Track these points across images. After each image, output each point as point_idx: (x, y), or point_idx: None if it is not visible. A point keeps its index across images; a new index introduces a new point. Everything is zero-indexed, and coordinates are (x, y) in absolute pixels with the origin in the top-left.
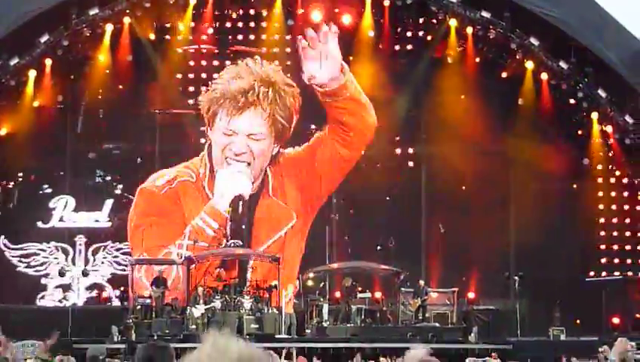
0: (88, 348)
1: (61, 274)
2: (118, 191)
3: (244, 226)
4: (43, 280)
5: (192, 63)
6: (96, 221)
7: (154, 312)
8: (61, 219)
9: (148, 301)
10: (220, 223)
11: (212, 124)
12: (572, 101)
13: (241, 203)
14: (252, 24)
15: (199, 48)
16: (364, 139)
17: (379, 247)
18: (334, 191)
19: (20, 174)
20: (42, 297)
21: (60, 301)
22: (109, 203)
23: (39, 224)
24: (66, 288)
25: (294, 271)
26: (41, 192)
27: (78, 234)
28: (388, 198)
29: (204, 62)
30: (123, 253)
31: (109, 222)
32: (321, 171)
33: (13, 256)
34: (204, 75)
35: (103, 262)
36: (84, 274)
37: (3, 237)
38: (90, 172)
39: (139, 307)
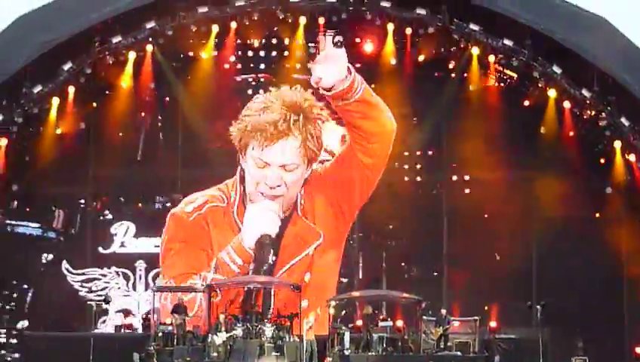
0: None
1: (106, 301)
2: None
3: (265, 267)
4: (104, 305)
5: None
6: (156, 246)
7: (175, 339)
8: (122, 245)
9: (170, 328)
10: (245, 260)
11: (244, 154)
12: (595, 129)
13: (267, 242)
14: (274, 53)
15: (256, 77)
16: (384, 144)
17: (406, 276)
18: (362, 206)
19: (82, 201)
20: (104, 321)
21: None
22: None
23: (100, 250)
24: (127, 313)
25: (327, 294)
26: (101, 218)
27: (139, 259)
28: (409, 226)
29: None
30: None
31: None
32: (349, 183)
33: (74, 281)
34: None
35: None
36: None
37: (65, 262)
38: (139, 196)
39: (160, 334)
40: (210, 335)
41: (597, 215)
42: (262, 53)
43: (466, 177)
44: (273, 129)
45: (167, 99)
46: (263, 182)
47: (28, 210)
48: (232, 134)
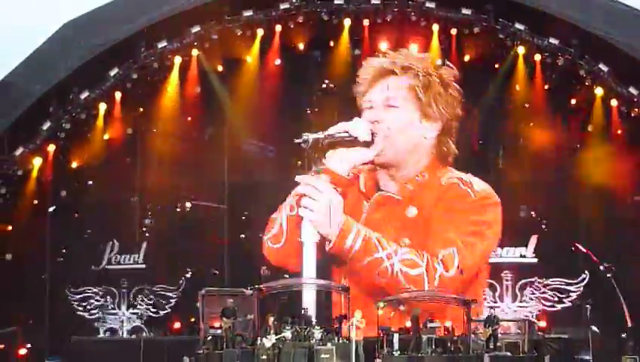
0: None
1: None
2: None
3: None
4: (96, 324)
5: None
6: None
7: (225, 343)
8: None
9: (219, 331)
10: None
11: None
12: None
13: None
14: (319, 55)
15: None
16: None
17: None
18: None
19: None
20: None
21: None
22: None
23: (93, 267)
24: (114, 331)
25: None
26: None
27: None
28: None
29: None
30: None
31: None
32: None
33: (73, 301)
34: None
35: (139, 305)
36: None
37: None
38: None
39: (209, 338)
40: (259, 338)
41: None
42: (307, 56)
43: (514, 177)
44: None
45: (213, 102)
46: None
47: (77, 215)
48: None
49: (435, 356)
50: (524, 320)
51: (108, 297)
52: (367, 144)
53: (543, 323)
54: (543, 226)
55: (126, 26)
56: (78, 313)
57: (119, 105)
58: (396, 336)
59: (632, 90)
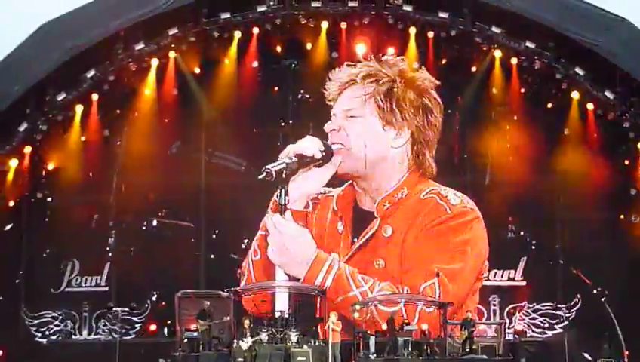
0: None
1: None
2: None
3: None
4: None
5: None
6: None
7: (201, 345)
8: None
9: (195, 334)
10: None
11: None
12: (618, 131)
13: None
14: (296, 58)
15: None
16: None
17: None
18: None
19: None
20: None
21: None
22: None
23: (52, 290)
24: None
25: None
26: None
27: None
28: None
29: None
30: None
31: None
32: None
33: (31, 326)
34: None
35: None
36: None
37: None
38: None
39: (185, 340)
40: (235, 340)
41: (621, 216)
42: (284, 60)
43: (489, 181)
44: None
45: (190, 104)
46: None
47: (59, 216)
48: None
49: (412, 358)
50: (501, 322)
51: (68, 322)
52: (322, 163)
53: (519, 327)
54: (533, 247)
55: (103, 28)
56: (36, 339)
57: (96, 107)
58: (372, 339)
59: (608, 94)
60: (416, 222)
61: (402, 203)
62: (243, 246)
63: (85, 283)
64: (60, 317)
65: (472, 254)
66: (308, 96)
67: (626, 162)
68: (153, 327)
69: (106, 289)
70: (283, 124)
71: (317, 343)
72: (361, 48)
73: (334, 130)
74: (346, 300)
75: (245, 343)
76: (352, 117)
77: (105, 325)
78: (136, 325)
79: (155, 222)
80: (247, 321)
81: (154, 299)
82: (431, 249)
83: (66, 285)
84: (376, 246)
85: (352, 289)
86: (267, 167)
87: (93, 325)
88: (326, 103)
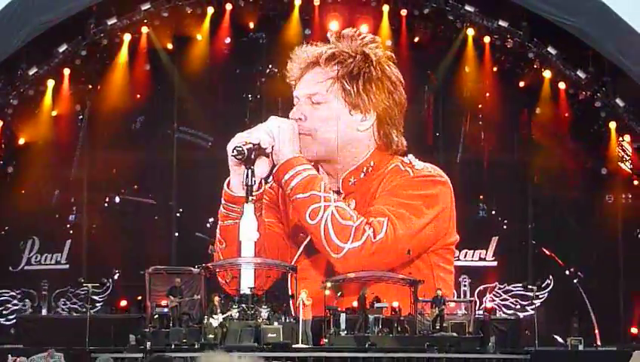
0: (97, 358)
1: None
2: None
3: None
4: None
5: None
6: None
7: (171, 321)
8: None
9: (165, 310)
10: None
11: None
12: (590, 110)
13: None
14: (269, 34)
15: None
16: None
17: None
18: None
19: None
20: None
21: None
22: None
23: (10, 268)
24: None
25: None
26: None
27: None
28: None
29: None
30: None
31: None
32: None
33: None
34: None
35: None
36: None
37: None
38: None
39: (156, 316)
40: (206, 316)
41: (592, 195)
42: (256, 36)
43: (461, 158)
44: None
45: (162, 80)
46: None
47: (23, 192)
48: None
49: (382, 336)
50: (471, 300)
51: (27, 301)
52: (267, 152)
53: (489, 305)
54: (504, 227)
55: (75, 3)
56: None
57: (68, 82)
58: (343, 316)
59: (580, 74)
60: (378, 189)
61: (368, 176)
62: (208, 226)
63: (45, 261)
64: (19, 296)
65: (430, 212)
66: (276, 70)
67: (597, 141)
68: (124, 303)
69: (67, 266)
70: (251, 99)
71: (288, 320)
72: (333, 25)
73: (300, 118)
74: (308, 199)
75: (216, 320)
76: (317, 103)
77: (65, 304)
78: (97, 304)
79: (117, 199)
80: (217, 298)
81: (115, 277)
82: (387, 199)
83: (25, 263)
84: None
85: (320, 190)
86: (238, 144)
87: (53, 304)
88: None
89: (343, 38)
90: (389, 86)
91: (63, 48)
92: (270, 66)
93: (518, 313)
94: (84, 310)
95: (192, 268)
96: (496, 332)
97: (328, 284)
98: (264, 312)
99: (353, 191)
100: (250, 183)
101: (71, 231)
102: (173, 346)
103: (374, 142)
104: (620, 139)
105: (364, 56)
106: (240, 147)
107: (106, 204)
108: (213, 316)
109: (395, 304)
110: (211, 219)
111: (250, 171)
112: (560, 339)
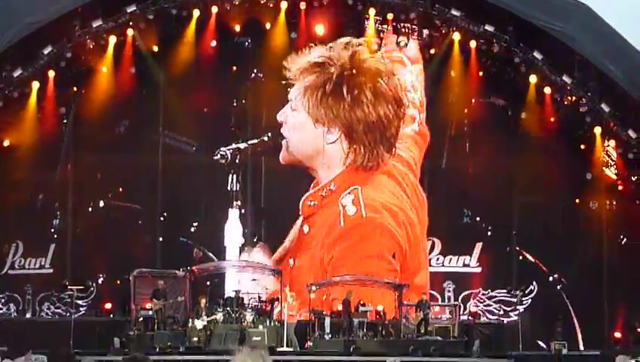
0: (81, 360)
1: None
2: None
3: None
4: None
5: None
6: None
7: (156, 324)
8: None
9: (150, 313)
10: None
11: None
12: (575, 115)
13: None
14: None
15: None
16: None
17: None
18: None
19: None
20: None
21: None
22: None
23: None
24: None
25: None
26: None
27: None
28: None
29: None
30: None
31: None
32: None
33: None
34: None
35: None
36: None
37: None
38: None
39: (141, 319)
40: (190, 319)
41: (577, 200)
42: (242, 40)
43: (446, 162)
44: None
45: (147, 83)
46: None
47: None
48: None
49: (367, 340)
50: (455, 304)
51: (11, 305)
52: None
53: (474, 309)
54: (489, 233)
55: (60, 4)
56: None
57: (52, 84)
58: (328, 320)
59: (566, 79)
60: (331, 230)
61: (326, 200)
62: (192, 230)
63: (29, 266)
64: (3, 301)
65: (389, 266)
66: (261, 75)
67: (582, 147)
68: (108, 306)
69: (51, 271)
70: (235, 103)
71: (272, 323)
72: (320, 29)
73: (283, 121)
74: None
75: (200, 322)
76: (293, 109)
77: (49, 308)
78: (81, 309)
79: (102, 204)
80: (203, 300)
81: (100, 281)
82: (344, 260)
83: (9, 267)
84: (296, 244)
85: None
86: (222, 149)
87: (37, 308)
88: (280, 84)
89: (336, 47)
90: (366, 100)
91: (47, 50)
92: (255, 70)
93: (502, 318)
94: (68, 314)
95: (177, 271)
96: (480, 336)
97: (313, 288)
98: (249, 315)
99: (311, 215)
100: (235, 189)
101: (55, 236)
102: (157, 349)
103: (343, 159)
104: (606, 144)
105: (342, 68)
106: (223, 151)
107: (90, 209)
108: (198, 319)
109: (380, 308)
110: (196, 224)
111: (234, 177)
112: (543, 345)
